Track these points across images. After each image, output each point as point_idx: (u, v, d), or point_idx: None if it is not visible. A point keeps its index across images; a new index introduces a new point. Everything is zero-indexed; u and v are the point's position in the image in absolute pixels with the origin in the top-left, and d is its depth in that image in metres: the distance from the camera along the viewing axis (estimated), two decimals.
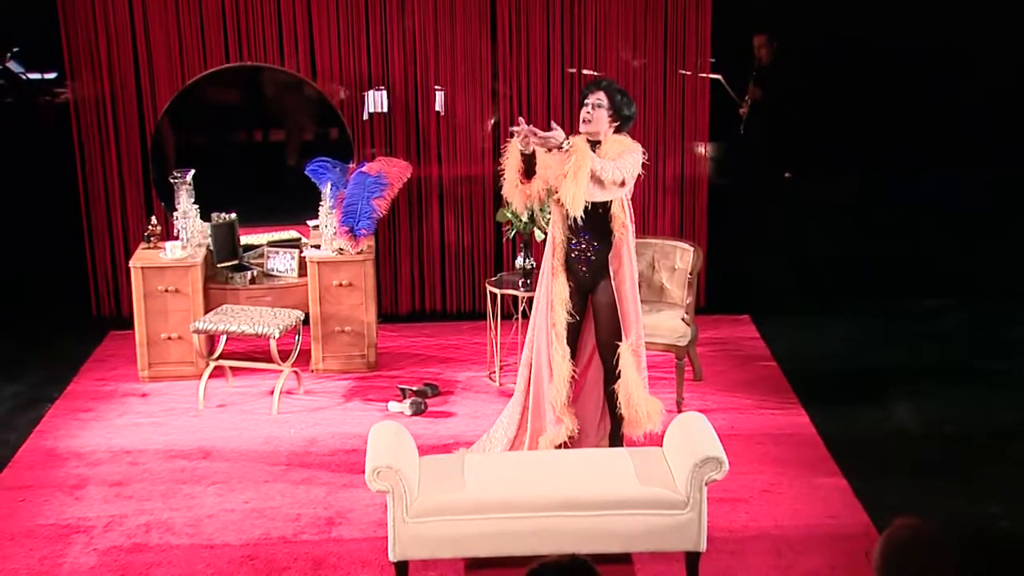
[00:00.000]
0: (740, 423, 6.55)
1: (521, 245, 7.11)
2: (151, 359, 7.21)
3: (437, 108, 7.98)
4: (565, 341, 5.73)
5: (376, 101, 7.91)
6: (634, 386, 5.71)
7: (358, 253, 7.25)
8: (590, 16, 7.93)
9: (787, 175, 9.23)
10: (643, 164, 5.65)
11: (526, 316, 6.70)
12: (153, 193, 7.90)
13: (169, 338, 7.19)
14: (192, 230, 7.28)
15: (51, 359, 7.61)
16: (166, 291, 7.14)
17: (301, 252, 7.39)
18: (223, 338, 6.96)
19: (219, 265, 7.36)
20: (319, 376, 7.29)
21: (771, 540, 5.35)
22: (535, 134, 5.42)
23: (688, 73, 8.05)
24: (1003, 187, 8.90)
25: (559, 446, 5.75)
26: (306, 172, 7.42)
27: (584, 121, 5.65)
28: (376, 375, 7.31)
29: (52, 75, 8.66)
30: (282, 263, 7.41)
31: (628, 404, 5.72)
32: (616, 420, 5.83)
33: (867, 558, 2.96)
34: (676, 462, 5.01)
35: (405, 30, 7.90)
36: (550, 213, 5.82)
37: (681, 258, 6.91)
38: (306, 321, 7.15)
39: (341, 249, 7.25)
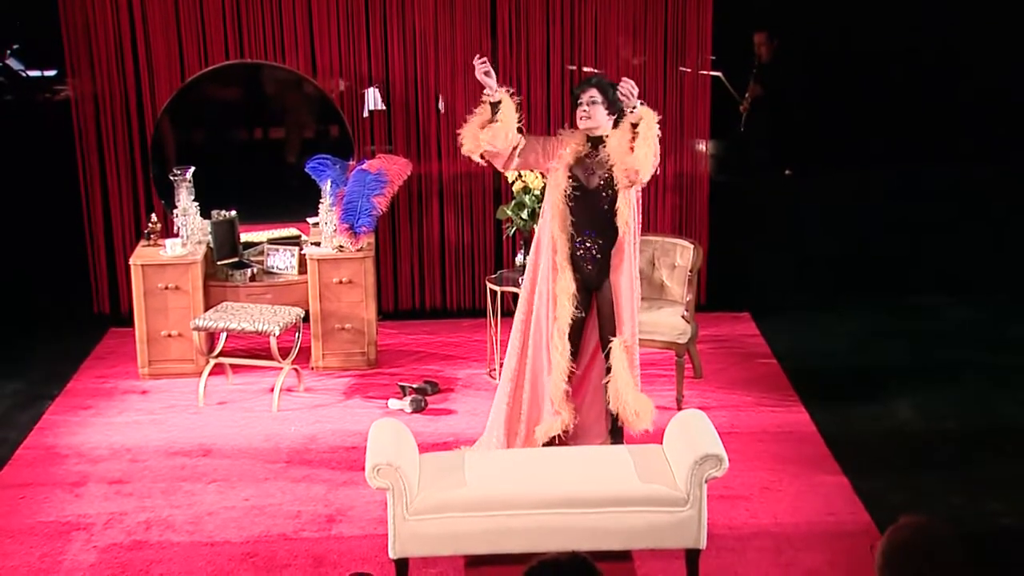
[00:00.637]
0: (740, 420, 6.55)
1: (521, 242, 7.10)
2: (151, 356, 7.21)
3: (439, 107, 7.98)
4: (567, 337, 5.72)
5: (377, 98, 7.91)
6: (623, 383, 5.70)
7: (358, 250, 7.25)
8: (590, 12, 7.93)
9: (787, 172, 9.23)
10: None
11: None
12: (153, 191, 7.90)
13: (169, 335, 7.19)
14: (192, 227, 7.28)
15: (51, 356, 7.61)
16: (166, 288, 7.14)
17: (301, 249, 7.39)
18: (223, 335, 6.96)
19: (219, 262, 7.36)
20: (319, 373, 7.29)
21: (771, 537, 5.35)
22: (488, 74, 5.54)
23: (688, 70, 8.05)
24: (1005, 184, 8.89)
25: (553, 438, 5.75)
26: (306, 169, 7.42)
27: (581, 118, 5.65)
28: (376, 372, 7.31)
29: (52, 72, 8.66)
30: (282, 260, 7.41)
31: (616, 400, 5.71)
32: (614, 417, 5.83)
33: (871, 552, 2.95)
34: (676, 459, 5.01)
35: (405, 27, 7.89)
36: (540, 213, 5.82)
37: (681, 255, 6.91)
38: (306, 318, 7.15)
39: (341, 246, 7.24)
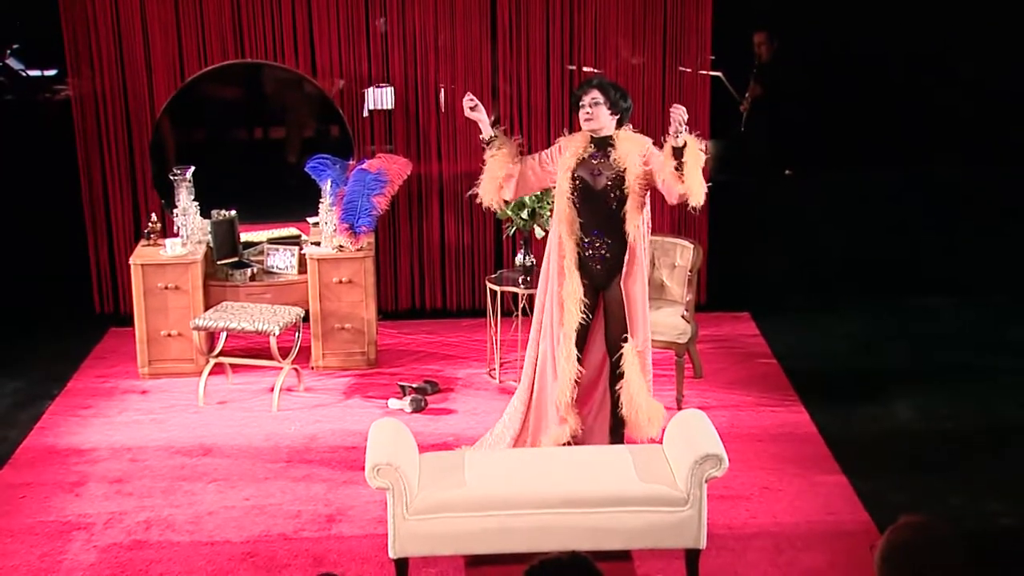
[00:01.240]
0: (740, 420, 6.55)
1: (521, 242, 7.10)
2: (151, 356, 7.21)
3: (440, 105, 7.98)
4: (573, 342, 5.72)
5: (377, 98, 7.91)
6: (637, 388, 5.69)
7: (358, 250, 7.25)
8: (590, 13, 7.93)
9: (787, 172, 9.23)
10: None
11: (526, 313, 6.72)
12: (152, 190, 7.90)
13: (169, 335, 7.19)
14: (192, 227, 7.28)
15: (51, 356, 7.61)
16: (166, 288, 7.14)
17: (301, 249, 7.39)
18: (223, 335, 6.96)
19: (219, 262, 7.36)
20: (319, 373, 7.29)
21: (771, 537, 5.35)
22: (475, 109, 5.67)
23: (688, 70, 8.05)
24: (1005, 185, 8.89)
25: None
26: (306, 169, 7.41)
27: (585, 120, 5.65)
28: (376, 372, 7.31)
29: (52, 72, 8.67)
30: (282, 260, 7.41)
31: (630, 405, 5.71)
32: (617, 420, 5.82)
33: (871, 552, 2.94)
34: (676, 459, 5.01)
35: (405, 27, 7.89)
36: (550, 213, 5.82)
37: (681, 255, 6.90)
38: (306, 318, 7.15)
39: (341, 246, 7.24)
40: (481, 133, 5.78)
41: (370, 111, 7.95)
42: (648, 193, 5.66)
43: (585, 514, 4.86)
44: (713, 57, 8.11)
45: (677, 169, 5.41)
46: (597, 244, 5.70)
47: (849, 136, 8.97)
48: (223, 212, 7.37)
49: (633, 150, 5.61)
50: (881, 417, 6.62)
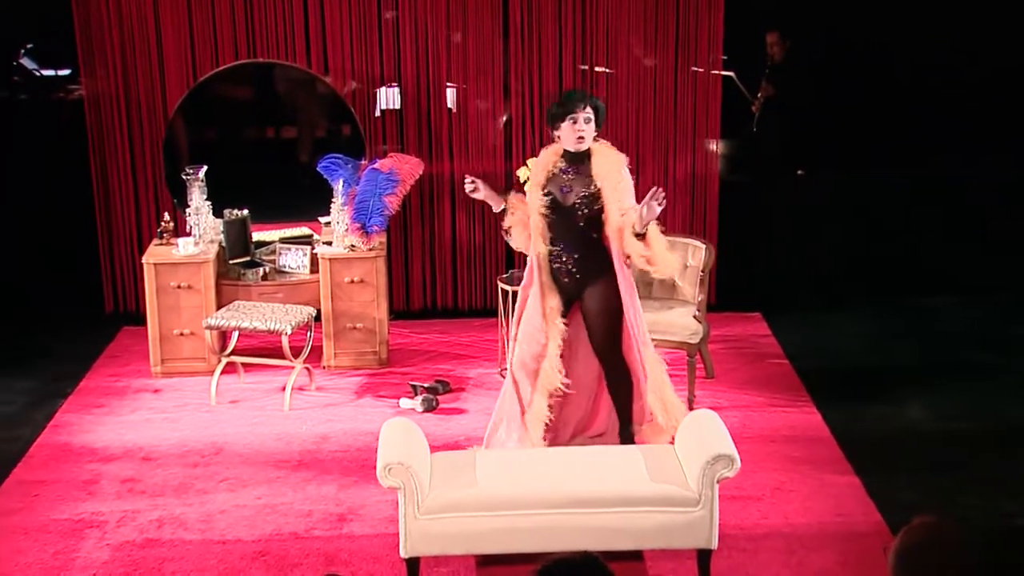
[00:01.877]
0: (752, 421, 6.54)
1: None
2: (164, 355, 7.23)
3: (449, 105, 7.99)
4: (558, 357, 5.70)
5: (390, 98, 7.92)
6: (662, 384, 5.67)
7: (370, 250, 7.25)
8: (602, 13, 7.92)
9: (799, 172, 9.22)
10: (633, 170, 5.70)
11: None
12: (165, 189, 7.92)
13: (181, 334, 7.21)
14: (204, 226, 7.29)
15: (64, 355, 7.63)
16: (179, 287, 7.16)
17: (313, 249, 7.41)
18: (235, 334, 6.98)
19: (231, 261, 7.38)
20: (331, 372, 7.30)
21: (782, 538, 5.35)
22: (476, 191, 5.72)
23: (700, 70, 8.04)
24: (1015, 185, 8.87)
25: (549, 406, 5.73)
26: (318, 169, 7.42)
27: (579, 138, 5.58)
28: (388, 372, 7.32)
29: (66, 72, 8.69)
30: (294, 260, 7.42)
31: (665, 410, 5.66)
32: (625, 418, 5.82)
33: (884, 553, 2.93)
34: (688, 459, 5.01)
35: (417, 26, 7.90)
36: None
37: (693, 255, 6.90)
38: (318, 318, 7.16)
39: (353, 246, 7.25)
40: (493, 207, 5.81)
41: (382, 111, 7.96)
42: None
43: (596, 514, 4.87)
44: (725, 57, 8.10)
45: (639, 237, 5.46)
46: (564, 258, 5.67)
47: (861, 136, 8.95)
48: (235, 211, 7.39)
49: (611, 169, 5.55)
50: (892, 417, 6.61)
